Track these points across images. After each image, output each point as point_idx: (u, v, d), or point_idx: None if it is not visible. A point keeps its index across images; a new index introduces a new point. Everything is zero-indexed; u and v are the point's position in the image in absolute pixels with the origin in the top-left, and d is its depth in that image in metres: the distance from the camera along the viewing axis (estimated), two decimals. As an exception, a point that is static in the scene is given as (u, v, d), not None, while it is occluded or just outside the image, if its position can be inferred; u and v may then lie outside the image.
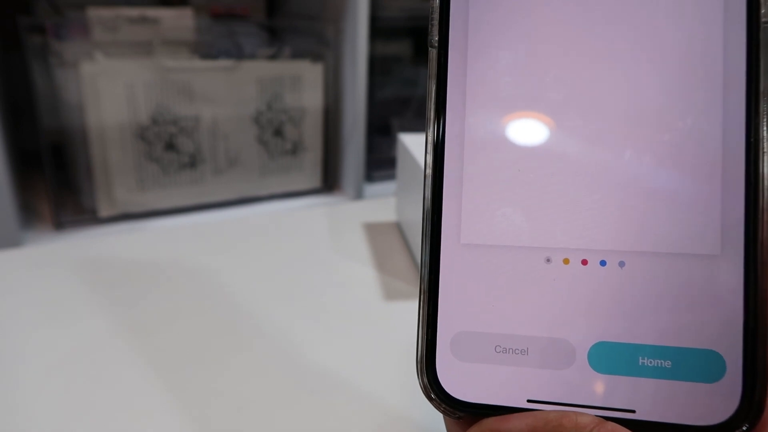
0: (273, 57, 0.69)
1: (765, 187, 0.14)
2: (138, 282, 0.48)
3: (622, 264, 0.15)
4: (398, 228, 0.60)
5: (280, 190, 0.73)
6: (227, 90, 0.66)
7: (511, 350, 0.15)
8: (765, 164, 0.14)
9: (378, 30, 0.71)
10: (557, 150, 0.15)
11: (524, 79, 0.16)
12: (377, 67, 0.74)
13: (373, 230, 0.60)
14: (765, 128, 0.14)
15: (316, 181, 0.75)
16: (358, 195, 0.73)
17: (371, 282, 0.49)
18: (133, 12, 0.61)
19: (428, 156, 0.16)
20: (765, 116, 0.14)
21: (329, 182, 0.77)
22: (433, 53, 0.16)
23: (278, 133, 0.71)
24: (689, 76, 0.15)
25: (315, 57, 0.71)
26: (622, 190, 0.15)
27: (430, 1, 0.17)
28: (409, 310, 0.45)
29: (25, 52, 0.57)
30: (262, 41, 0.69)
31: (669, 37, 0.15)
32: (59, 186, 0.62)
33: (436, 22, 0.16)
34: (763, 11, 0.15)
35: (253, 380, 0.37)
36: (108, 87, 0.60)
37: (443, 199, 0.16)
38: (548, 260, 0.15)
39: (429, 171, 0.16)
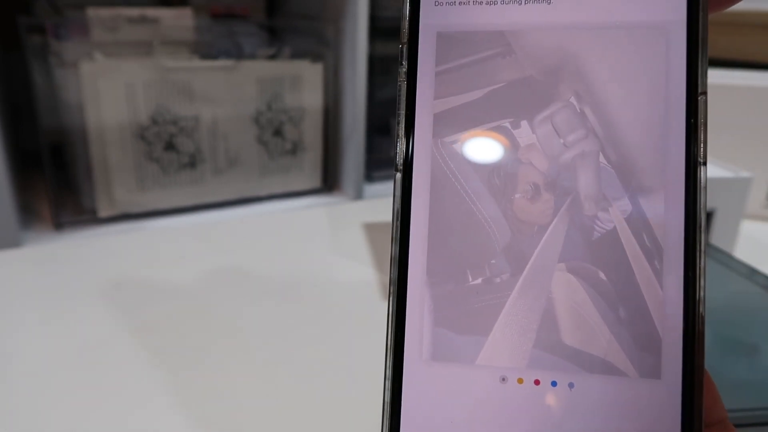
0: (273, 57, 0.69)
1: (700, 314, 0.16)
2: (138, 282, 0.48)
3: (571, 385, 0.16)
4: (398, 228, 0.60)
5: (280, 190, 0.73)
6: (227, 90, 0.66)
7: None
8: (701, 294, 0.16)
9: (378, 30, 0.71)
10: (512, 276, 0.17)
11: (477, 221, 0.17)
12: (377, 67, 0.74)
13: (373, 230, 0.60)
14: (701, 268, 0.16)
15: (316, 181, 0.75)
16: (358, 195, 0.73)
17: (371, 282, 0.49)
18: (133, 12, 0.61)
19: (391, 289, 0.17)
20: (702, 237, 0.16)
21: (329, 182, 0.77)
22: (398, 175, 0.17)
23: (278, 133, 0.71)
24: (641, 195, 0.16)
25: (315, 57, 0.71)
26: (574, 316, 0.16)
27: (396, 127, 0.17)
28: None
29: (25, 52, 0.57)
30: (262, 41, 0.69)
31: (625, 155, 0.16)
32: (59, 186, 0.62)
33: (401, 148, 0.17)
34: (700, 81, 0.16)
35: (252, 379, 0.37)
36: (108, 87, 0.60)
37: (406, 316, 0.17)
38: (504, 380, 0.16)
39: (393, 288, 0.17)
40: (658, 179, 0.16)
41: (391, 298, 0.17)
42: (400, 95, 0.18)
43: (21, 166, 0.66)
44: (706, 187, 0.16)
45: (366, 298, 0.47)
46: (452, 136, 0.17)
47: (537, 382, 0.16)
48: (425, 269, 0.17)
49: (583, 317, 0.16)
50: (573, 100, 0.17)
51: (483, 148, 0.17)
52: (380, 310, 0.45)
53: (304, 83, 0.71)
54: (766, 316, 0.41)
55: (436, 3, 0.18)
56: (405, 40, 0.18)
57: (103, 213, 0.62)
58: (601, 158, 0.17)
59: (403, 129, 0.17)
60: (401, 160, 0.17)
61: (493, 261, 0.17)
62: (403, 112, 0.18)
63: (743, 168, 0.55)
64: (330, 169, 0.76)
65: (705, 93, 0.16)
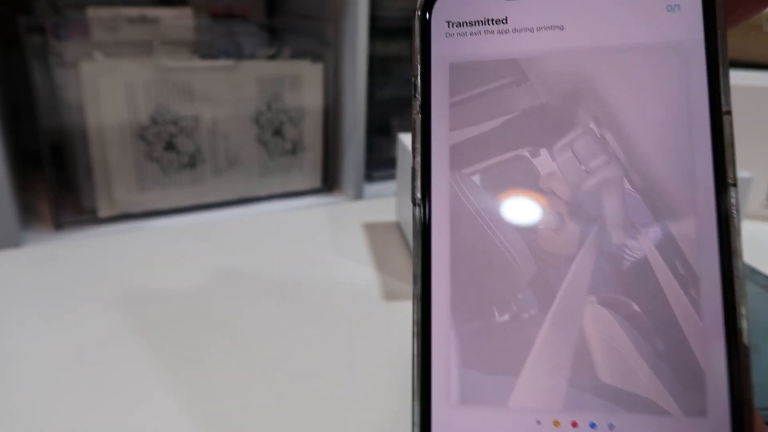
0: (273, 57, 0.69)
1: (744, 345, 0.15)
2: (138, 282, 0.48)
3: (611, 427, 0.15)
4: (398, 228, 0.60)
5: (280, 190, 0.73)
6: (227, 90, 0.66)
7: None
8: (744, 323, 0.15)
9: (378, 30, 0.71)
10: (540, 311, 0.16)
11: (501, 254, 0.16)
12: (377, 67, 0.74)
13: (373, 230, 0.60)
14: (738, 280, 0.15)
15: (316, 181, 0.75)
16: (358, 195, 0.73)
17: (371, 282, 0.49)
18: (133, 12, 0.61)
19: (415, 330, 0.16)
20: (738, 254, 0.15)
21: (329, 182, 0.77)
22: (417, 210, 0.17)
23: (278, 133, 0.71)
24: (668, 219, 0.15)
25: (315, 57, 0.71)
26: (610, 351, 0.15)
27: (413, 161, 0.17)
28: (409, 311, 0.45)
29: (25, 52, 0.57)
30: (262, 41, 0.69)
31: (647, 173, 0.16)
32: (59, 186, 0.62)
33: (419, 182, 0.17)
34: (723, 99, 0.15)
35: (252, 380, 0.37)
36: (108, 87, 0.60)
37: (432, 357, 0.16)
38: (538, 423, 0.15)
39: (417, 329, 0.16)
40: (687, 203, 0.15)
41: (415, 339, 0.16)
42: (415, 128, 0.17)
43: (21, 166, 0.66)
44: (738, 210, 0.15)
45: (366, 298, 0.47)
46: (470, 168, 0.17)
47: (575, 425, 0.15)
48: (450, 307, 0.16)
49: (619, 352, 0.15)
50: (593, 125, 0.16)
51: (502, 178, 0.17)
52: (380, 310, 0.45)
53: (304, 83, 0.70)
54: (766, 316, 0.41)
55: (447, 34, 0.17)
56: (417, 72, 0.17)
57: (103, 213, 0.62)
58: (626, 184, 0.16)
59: (420, 163, 0.17)
60: (420, 195, 0.17)
61: (519, 296, 0.16)
62: (419, 145, 0.17)
63: (743, 168, 0.55)
64: (330, 169, 0.76)
65: (729, 112, 0.15)
